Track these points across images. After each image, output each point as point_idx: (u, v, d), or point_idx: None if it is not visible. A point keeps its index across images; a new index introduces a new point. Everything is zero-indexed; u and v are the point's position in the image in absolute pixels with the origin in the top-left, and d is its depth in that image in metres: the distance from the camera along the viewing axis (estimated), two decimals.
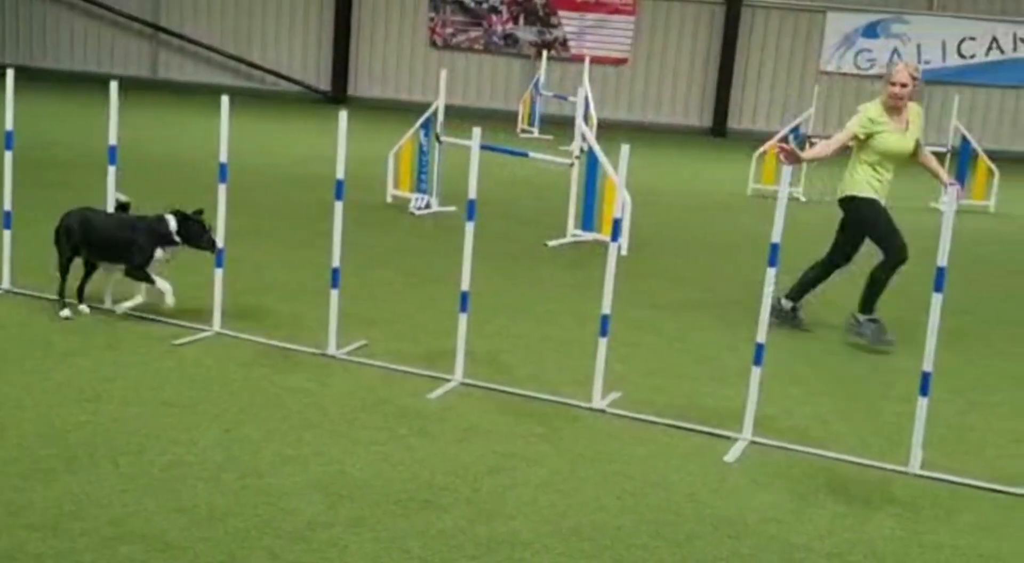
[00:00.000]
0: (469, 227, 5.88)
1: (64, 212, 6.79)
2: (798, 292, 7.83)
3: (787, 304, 7.81)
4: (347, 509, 4.34)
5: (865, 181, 7.40)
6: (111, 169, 6.96)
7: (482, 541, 4.15)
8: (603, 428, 5.54)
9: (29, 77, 23.53)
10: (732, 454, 5.27)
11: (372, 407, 5.55)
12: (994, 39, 24.21)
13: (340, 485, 4.56)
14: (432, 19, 25.51)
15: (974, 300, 9.14)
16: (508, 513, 4.42)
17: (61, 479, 4.42)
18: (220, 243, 6.69)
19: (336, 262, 6.27)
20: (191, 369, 5.94)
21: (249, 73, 25.75)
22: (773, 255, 5.30)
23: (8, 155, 7.03)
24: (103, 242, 6.72)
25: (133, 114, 17.01)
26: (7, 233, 7.22)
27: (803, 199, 14.57)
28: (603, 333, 5.76)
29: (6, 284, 7.20)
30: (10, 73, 7.35)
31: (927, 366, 5.17)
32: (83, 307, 6.76)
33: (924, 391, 5.18)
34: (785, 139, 14.91)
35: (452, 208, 11.48)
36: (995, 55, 24.24)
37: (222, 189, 6.51)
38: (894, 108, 7.33)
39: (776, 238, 5.27)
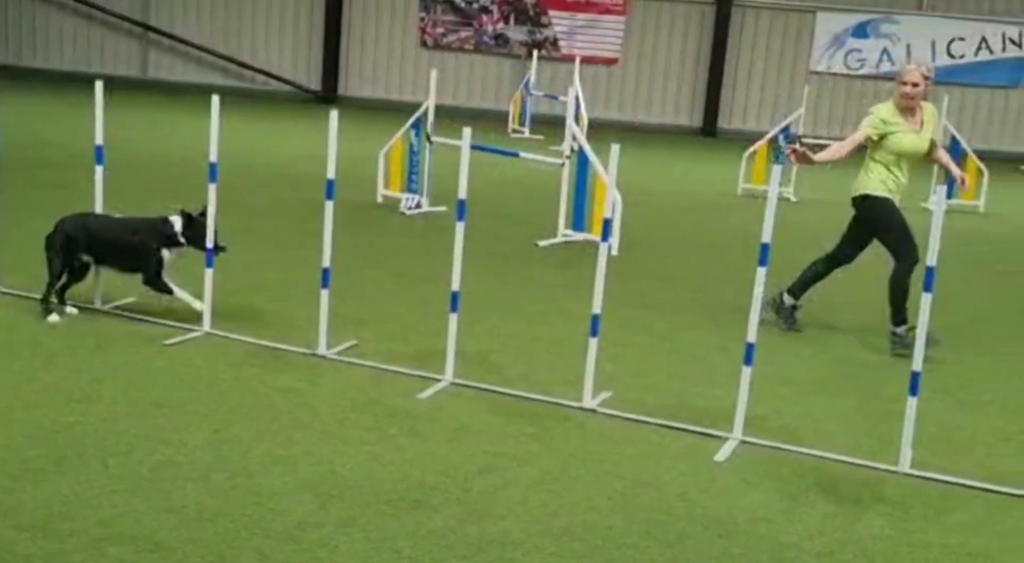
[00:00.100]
0: (459, 227, 5.87)
1: (60, 218, 6.73)
2: (800, 288, 7.80)
3: (788, 300, 7.79)
4: (337, 509, 4.33)
5: (879, 180, 7.36)
6: (98, 169, 6.93)
7: (472, 541, 4.15)
8: (594, 428, 5.54)
9: (18, 77, 23.57)
10: (722, 454, 5.27)
11: (362, 407, 5.55)
12: (983, 39, 24.28)
13: (330, 485, 4.56)
14: (422, 19, 25.49)
15: (963, 300, 9.16)
16: (499, 513, 4.42)
17: (50, 480, 4.40)
18: (223, 243, 6.69)
19: (326, 262, 6.27)
20: (181, 369, 5.93)
21: (239, 73, 25.71)
22: (763, 255, 5.31)
23: None
24: (108, 249, 6.69)
25: (123, 114, 17.00)
26: None
27: (793, 199, 14.60)
28: (593, 333, 5.77)
29: None
30: None
31: (916, 366, 5.19)
32: (71, 309, 6.73)
33: (914, 391, 5.19)
34: (775, 139, 14.97)
35: (442, 208, 11.47)
36: (984, 55, 24.31)
37: (212, 189, 6.50)
38: (907, 108, 7.32)
39: (766, 238, 5.28)
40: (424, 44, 25.57)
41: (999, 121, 24.56)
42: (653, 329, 7.59)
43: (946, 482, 5.15)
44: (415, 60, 25.50)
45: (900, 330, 7.34)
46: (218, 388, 5.67)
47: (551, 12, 25.11)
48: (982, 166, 15.00)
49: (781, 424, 5.79)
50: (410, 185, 11.74)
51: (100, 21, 25.80)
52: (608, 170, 5.91)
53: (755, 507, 4.70)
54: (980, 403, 6.50)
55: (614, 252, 9.67)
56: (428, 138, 11.58)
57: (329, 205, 6.16)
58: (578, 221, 10.56)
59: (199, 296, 6.61)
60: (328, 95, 25.21)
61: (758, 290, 5.36)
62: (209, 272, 6.59)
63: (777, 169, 5.28)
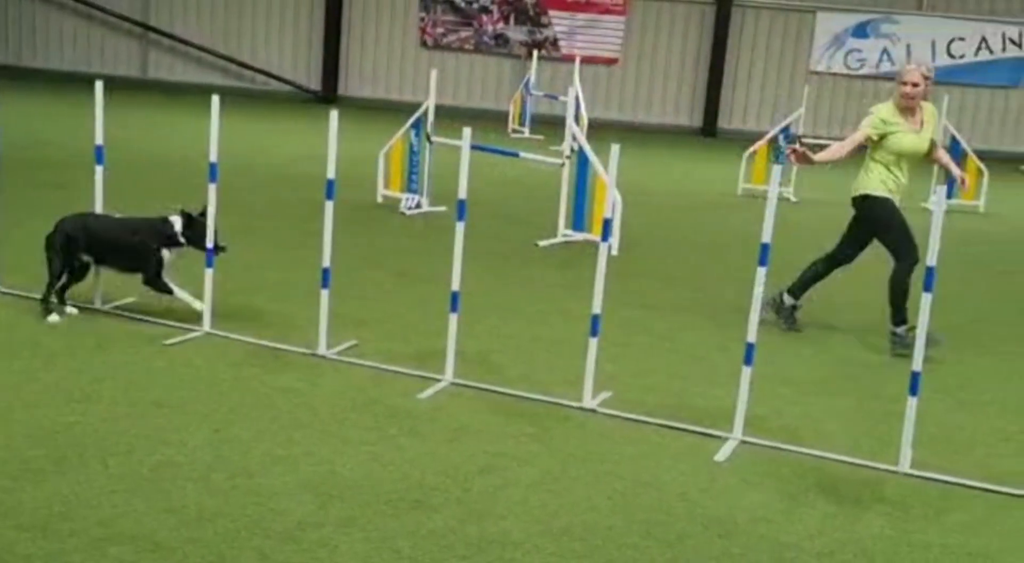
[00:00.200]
0: (459, 227, 5.87)
1: (60, 218, 6.73)
2: (800, 288, 7.79)
3: (789, 300, 7.78)
4: (337, 509, 4.33)
5: (879, 180, 7.35)
6: (98, 169, 6.93)
7: (472, 541, 4.15)
8: (594, 428, 5.54)
9: (18, 77, 23.56)
10: (722, 454, 5.27)
11: (362, 407, 5.55)
12: (983, 39, 24.28)
13: (330, 485, 4.56)
14: (422, 19, 25.49)
15: (963, 300, 9.16)
16: (499, 513, 4.42)
17: (50, 480, 4.40)
18: (223, 243, 6.70)
19: (326, 262, 6.27)
20: (181, 369, 5.93)
21: (240, 73, 25.71)
22: (763, 255, 5.31)
23: None
24: (108, 249, 6.69)
25: (123, 114, 17.00)
26: None
27: (793, 199, 14.60)
28: (593, 333, 5.77)
29: None
30: None
31: (916, 366, 5.19)
32: (70, 309, 6.73)
33: (914, 391, 5.19)
34: (775, 139, 14.97)
35: (442, 208, 11.47)
36: (984, 55, 24.31)
37: (212, 189, 6.50)
38: (907, 108, 7.32)
39: (766, 238, 5.28)
40: (424, 44, 25.57)
41: (999, 121, 24.56)
42: (653, 329, 7.59)
43: (946, 482, 5.15)
44: (415, 60, 25.50)
45: (900, 330, 7.33)
46: (218, 388, 5.67)
47: (551, 12, 25.11)
48: (982, 166, 15.00)
49: (781, 424, 5.79)
50: (410, 185, 11.74)
51: (100, 21, 25.80)
52: (608, 170, 5.91)
53: (755, 507, 4.70)
54: (980, 403, 6.49)
55: (614, 252, 9.67)
56: (428, 138, 11.58)
57: (329, 205, 6.16)
58: (578, 221, 10.56)
59: (199, 296, 6.61)
60: (328, 95, 25.21)
61: (758, 290, 5.36)
62: (209, 272, 6.59)
63: (777, 169, 5.28)
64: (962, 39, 24.30)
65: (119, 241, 6.68)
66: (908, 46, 24.40)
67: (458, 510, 4.42)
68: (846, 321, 8.09)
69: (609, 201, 5.90)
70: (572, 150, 10.71)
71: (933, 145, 7.49)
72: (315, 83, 25.63)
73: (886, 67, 24.49)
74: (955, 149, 15.06)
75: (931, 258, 5.11)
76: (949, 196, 13.58)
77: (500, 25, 25.34)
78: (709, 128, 24.80)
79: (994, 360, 7.48)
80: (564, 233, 10.64)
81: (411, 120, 11.72)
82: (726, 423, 5.54)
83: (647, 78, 25.27)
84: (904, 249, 7.28)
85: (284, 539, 4.04)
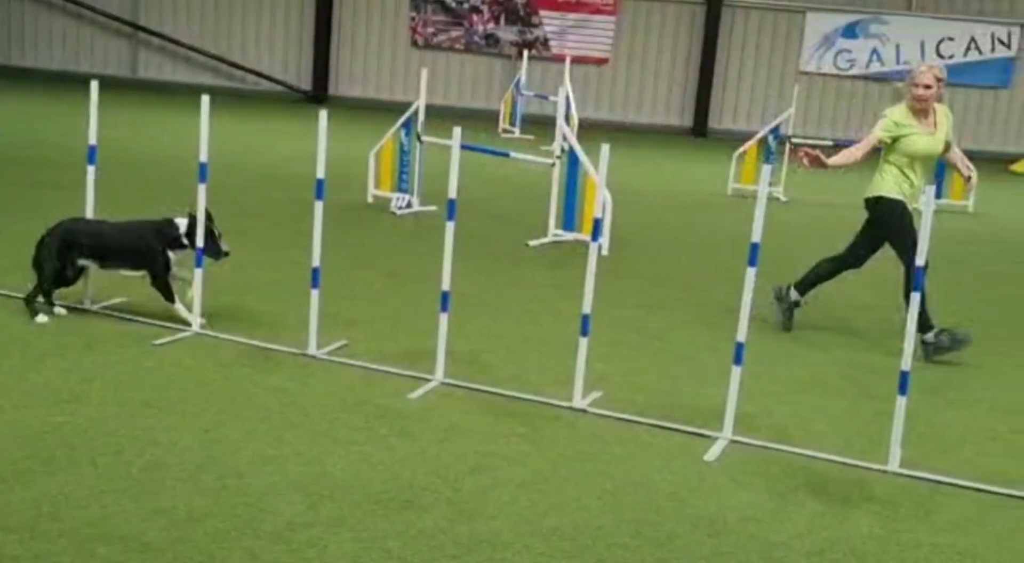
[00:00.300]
0: (449, 227, 5.87)
1: (56, 223, 6.69)
2: (807, 286, 7.74)
3: (794, 295, 7.73)
4: (327, 509, 4.33)
5: (893, 183, 7.29)
6: (90, 169, 6.92)
7: (463, 541, 4.15)
8: (584, 428, 5.55)
9: (7, 76, 23.49)
10: (712, 453, 5.28)
11: (352, 407, 5.54)
12: (972, 39, 24.35)
13: (320, 485, 4.55)
14: (413, 19, 25.47)
15: (952, 299, 9.18)
16: (489, 513, 4.42)
17: (39, 481, 4.39)
18: (227, 248, 6.69)
19: (316, 262, 6.26)
20: (170, 369, 5.92)
21: (230, 72, 25.66)
22: (753, 255, 5.31)
23: None
24: (114, 252, 6.67)
25: (113, 113, 16.93)
26: None
27: (783, 199, 14.62)
28: (584, 333, 5.77)
29: None
30: None
31: (905, 365, 5.20)
32: (59, 309, 6.71)
33: (902, 390, 5.21)
34: (765, 139, 14.99)
35: (433, 208, 11.47)
36: (973, 55, 24.38)
37: (202, 189, 6.49)
38: (920, 111, 7.25)
39: (756, 238, 5.29)
40: (415, 44, 25.55)
41: (988, 121, 24.63)
42: (643, 329, 7.60)
43: (935, 481, 5.16)
44: (405, 60, 25.48)
45: (929, 336, 7.21)
46: (208, 388, 5.66)
47: (541, 12, 25.11)
48: (971, 166, 15.00)
49: (771, 423, 5.80)
50: (400, 185, 11.74)
51: (89, 20, 25.73)
52: (598, 170, 5.91)
53: (745, 506, 4.71)
54: (969, 402, 6.51)
55: (604, 252, 9.69)
56: (419, 138, 11.58)
57: (319, 205, 6.15)
58: (568, 221, 10.57)
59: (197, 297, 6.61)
60: (319, 95, 25.18)
61: (748, 287, 5.36)
62: (199, 272, 6.59)
63: (767, 169, 5.29)
64: (951, 39, 24.37)
65: (124, 244, 6.66)
66: (897, 46, 24.46)
67: (448, 510, 4.42)
68: (836, 320, 8.10)
69: (599, 201, 5.91)
70: (562, 150, 10.72)
71: (948, 146, 7.43)
72: (305, 83, 25.60)
73: (876, 67, 24.57)
74: None
75: (920, 258, 5.13)
76: (938, 196, 13.63)
77: (490, 25, 25.34)
78: (699, 128, 24.83)
79: (983, 359, 7.49)
80: (554, 233, 10.64)
81: (402, 120, 11.71)
82: (716, 423, 5.55)
83: (637, 78, 25.29)
84: (912, 254, 7.19)
85: (274, 539, 4.04)
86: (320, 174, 6.11)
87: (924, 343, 7.22)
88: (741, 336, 5.41)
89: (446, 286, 5.96)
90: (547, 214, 10.69)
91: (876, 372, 6.86)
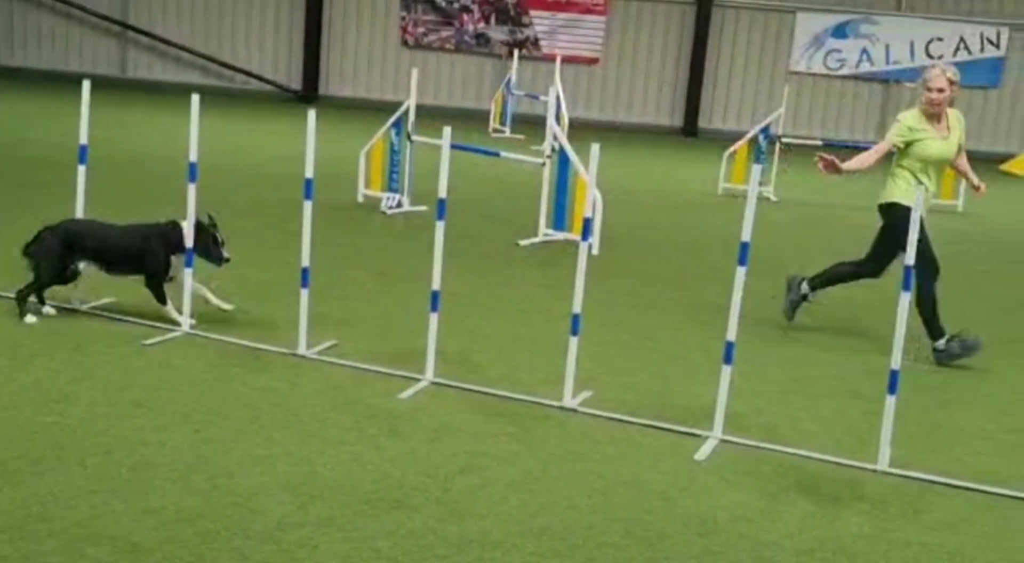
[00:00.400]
0: (440, 226, 5.87)
1: (54, 223, 6.66)
2: (819, 282, 7.70)
3: (805, 289, 7.69)
4: (317, 509, 4.32)
5: (906, 188, 7.19)
6: (81, 169, 6.90)
7: (452, 541, 4.15)
8: (574, 427, 5.55)
9: None
10: (703, 452, 5.28)
11: (342, 407, 5.54)
12: (962, 39, 24.42)
13: (310, 485, 4.55)
14: (403, 18, 25.46)
15: (942, 299, 9.18)
16: (479, 513, 4.42)
17: (28, 481, 4.38)
18: (228, 255, 6.67)
19: (306, 262, 6.25)
20: (160, 369, 5.90)
21: (220, 72, 25.61)
22: (743, 254, 5.32)
23: None
24: (114, 253, 6.65)
25: (102, 113, 16.88)
26: None
27: (773, 199, 14.64)
28: (574, 332, 5.77)
29: None
30: None
31: (895, 364, 5.21)
32: (48, 309, 6.70)
33: (892, 389, 5.22)
34: (755, 139, 15.01)
35: (423, 207, 11.46)
36: (963, 55, 24.44)
37: (192, 188, 6.47)
38: (933, 115, 7.17)
39: (746, 237, 5.29)
40: (405, 43, 25.54)
41: (977, 121, 24.64)
42: (634, 328, 7.60)
43: (925, 480, 5.17)
44: (396, 59, 25.47)
45: (941, 343, 7.20)
46: (198, 388, 5.65)
47: (532, 12, 25.11)
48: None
49: (761, 422, 5.80)
50: (391, 184, 11.73)
51: (79, 20, 25.67)
52: (589, 170, 5.91)
53: (735, 506, 4.71)
54: (959, 401, 6.53)
55: (595, 251, 9.69)
56: (409, 137, 11.57)
57: (308, 205, 6.14)
58: (559, 220, 10.57)
59: (177, 296, 6.58)
60: (309, 94, 25.14)
61: (738, 285, 5.37)
62: (188, 271, 6.57)
63: (757, 169, 5.29)
64: (941, 39, 24.44)
65: (127, 247, 6.64)
66: (887, 46, 24.53)
67: (438, 510, 4.41)
68: (827, 319, 8.11)
69: (589, 200, 5.91)
70: (553, 149, 10.72)
71: (958, 151, 7.39)
72: (296, 82, 25.56)
73: (865, 67, 24.64)
74: None
75: (909, 257, 5.14)
76: None
77: (481, 25, 25.34)
78: (690, 128, 24.85)
79: (973, 359, 7.50)
80: (545, 232, 10.64)
81: (392, 119, 11.70)
82: (706, 422, 5.55)
83: (628, 78, 25.30)
84: (924, 261, 7.07)
85: (264, 539, 4.03)
86: (309, 174, 6.10)
87: (935, 350, 7.22)
88: (731, 335, 5.41)
89: (436, 286, 5.95)
90: (537, 214, 10.69)
91: (866, 372, 6.87)
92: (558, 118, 11.24)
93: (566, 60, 22.08)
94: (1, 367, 5.74)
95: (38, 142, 14.41)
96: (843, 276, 7.66)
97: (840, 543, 4.43)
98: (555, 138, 10.66)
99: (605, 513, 4.52)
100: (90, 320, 6.71)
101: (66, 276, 6.66)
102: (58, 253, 6.55)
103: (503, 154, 11.67)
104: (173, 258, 6.63)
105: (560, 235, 10.51)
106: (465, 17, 25.34)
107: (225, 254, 6.69)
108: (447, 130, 5.84)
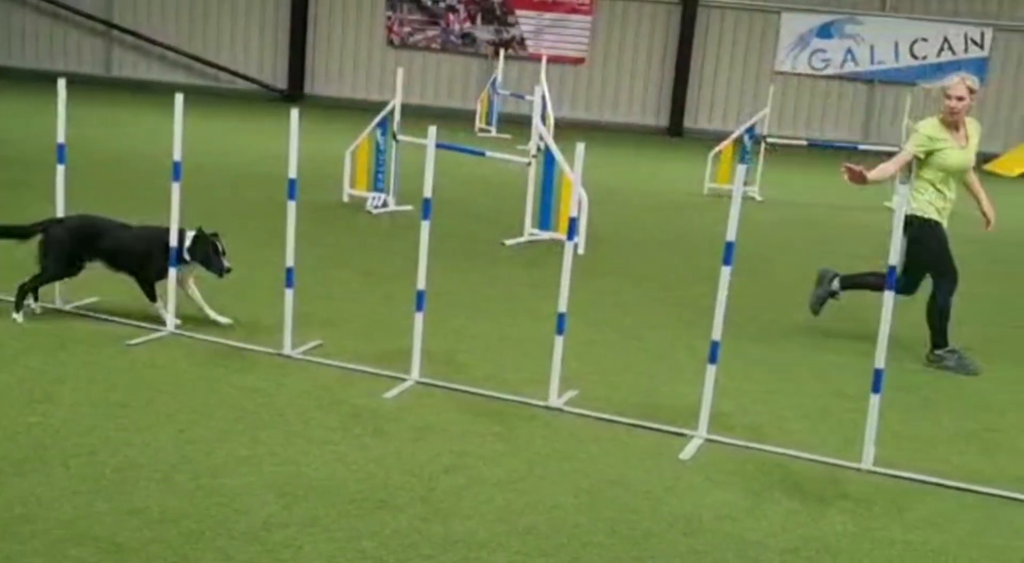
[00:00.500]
0: (425, 226, 5.86)
1: (59, 219, 6.67)
2: (849, 284, 7.64)
3: (836, 286, 7.62)
4: (302, 509, 4.32)
5: (927, 201, 7.15)
6: (60, 168, 6.87)
7: (437, 540, 4.14)
8: (560, 427, 5.55)
9: None
10: (688, 452, 5.29)
11: (327, 407, 5.53)
12: (946, 40, 24.54)
13: (295, 485, 4.54)
14: (389, 18, 25.43)
15: (924, 298, 9.21)
16: (464, 512, 4.41)
17: (11, 482, 4.36)
18: (229, 265, 6.66)
19: (290, 261, 6.23)
20: (144, 369, 5.88)
21: (205, 71, 25.55)
22: (728, 254, 5.32)
23: None
24: (121, 253, 6.65)
25: (87, 112, 16.84)
26: None
27: (759, 199, 14.67)
28: (559, 331, 5.77)
29: None
30: None
31: (879, 363, 5.22)
32: (34, 306, 6.68)
33: (876, 388, 5.23)
34: (740, 139, 15.04)
35: (409, 207, 11.45)
36: (947, 56, 24.56)
37: (176, 187, 6.45)
38: (952, 124, 7.09)
39: (731, 237, 5.30)
40: (391, 43, 25.51)
41: None
42: (619, 327, 7.60)
43: (909, 479, 5.19)
44: (382, 59, 25.44)
45: (940, 352, 7.19)
46: (182, 388, 5.63)
47: (518, 11, 25.13)
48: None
49: (746, 422, 5.81)
50: (376, 184, 11.72)
51: (64, 19, 25.57)
52: (574, 169, 5.91)
53: (720, 505, 4.72)
54: (942, 401, 6.55)
55: (580, 251, 9.70)
56: (394, 137, 11.56)
57: (291, 205, 6.12)
58: (544, 220, 10.58)
59: (162, 296, 6.56)
60: (294, 94, 25.10)
61: (723, 283, 5.37)
62: (172, 271, 6.55)
63: (742, 169, 5.30)
64: (925, 40, 24.55)
65: (133, 249, 6.65)
66: (872, 47, 24.63)
67: (423, 509, 4.41)
68: (813, 319, 8.13)
69: (575, 200, 5.91)
70: (539, 149, 10.72)
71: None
72: (281, 82, 25.52)
73: (850, 67, 24.73)
74: None
75: (893, 257, 5.16)
76: None
77: (467, 24, 25.33)
78: (675, 127, 24.90)
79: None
80: (531, 232, 10.65)
81: (377, 119, 11.69)
82: (692, 421, 5.56)
83: (614, 77, 25.34)
84: (944, 274, 7.14)
85: (248, 540, 4.02)
86: (292, 174, 6.08)
87: (933, 354, 7.24)
88: (716, 335, 5.42)
89: (422, 285, 5.95)
90: (523, 213, 10.69)
91: (851, 371, 6.89)
92: (544, 118, 11.25)
93: (552, 60, 22.10)
94: None
95: (19, 141, 14.33)
96: (873, 287, 7.40)
97: (824, 541, 4.44)
98: (541, 138, 10.66)
99: (590, 512, 4.52)
100: (73, 320, 6.68)
101: (72, 273, 6.66)
102: (69, 249, 6.56)
103: (488, 154, 11.67)
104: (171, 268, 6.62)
105: (546, 234, 10.52)
106: (451, 16, 25.33)
107: (226, 264, 6.68)
108: (432, 129, 5.83)
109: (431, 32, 25.42)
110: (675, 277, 9.56)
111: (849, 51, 24.70)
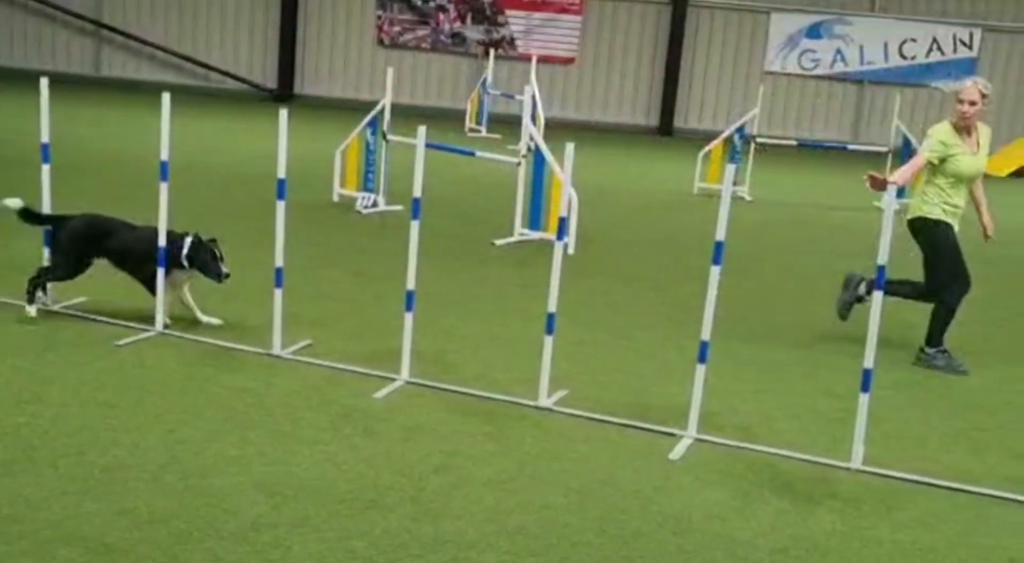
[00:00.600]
0: (414, 226, 5.86)
1: (70, 218, 6.68)
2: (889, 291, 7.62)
3: (863, 290, 7.57)
4: (291, 509, 4.31)
5: (937, 205, 7.12)
6: (45, 168, 6.85)
7: (427, 540, 4.14)
8: (549, 426, 5.55)
9: None
10: (677, 451, 5.30)
11: (317, 407, 5.52)
12: (935, 40, 24.62)
13: (284, 485, 4.53)
14: (379, 17, 25.42)
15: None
16: (454, 512, 4.41)
17: None
18: (227, 270, 6.65)
19: (279, 261, 6.22)
20: (133, 370, 5.87)
21: (194, 71, 25.50)
22: (717, 253, 5.33)
23: None
24: (125, 254, 6.67)
25: (76, 111, 16.82)
26: None
27: (748, 198, 14.69)
28: (549, 331, 5.77)
29: None
30: None
31: (868, 363, 5.23)
32: (45, 299, 6.72)
33: (865, 388, 5.24)
34: (730, 139, 15.06)
35: (399, 207, 11.45)
36: (936, 56, 24.64)
37: (164, 187, 6.44)
38: (964, 128, 7.04)
39: (720, 236, 5.30)
40: (381, 42, 25.50)
41: None
42: (609, 327, 7.61)
43: (898, 478, 5.20)
44: (372, 58, 25.43)
45: (931, 350, 7.21)
46: (171, 388, 5.62)
47: (508, 11, 25.13)
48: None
49: (736, 421, 5.82)
50: (366, 184, 11.71)
51: (53, 18, 25.49)
52: (564, 169, 5.91)
53: (709, 504, 4.72)
54: (933, 400, 6.57)
55: (570, 251, 9.70)
56: (384, 137, 11.55)
57: (280, 205, 6.11)
58: (534, 220, 10.58)
59: (151, 296, 6.55)
60: (284, 93, 25.06)
61: (713, 281, 5.38)
62: (161, 271, 6.53)
63: (731, 168, 5.31)
64: (914, 40, 24.63)
65: (137, 250, 6.65)
66: (861, 47, 24.70)
67: (413, 509, 4.41)
68: (802, 319, 8.15)
69: (565, 200, 5.91)
70: (528, 149, 10.73)
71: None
72: (271, 81, 25.48)
73: (839, 68, 24.79)
74: (906, 149, 15.21)
75: (882, 257, 5.16)
76: (900, 195, 13.73)
77: (457, 24, 25.33)
78: (665, 127, 24.93)
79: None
80: (520, 232, 10.65)
81: (367, 118, 11.68)
82: (681, 421, 5.56)
83: (604, 77, 25.36)
84: (956, 277, 7.11)
85: (237, 540, 4.02)
86: (281, 174, 6.07)
87: (923, 352, 7.25)
88: (706, 335, 5.43)
89: (411, 285, 5.94)
90: (513, 213, 10.69)
91: (840, 371, 6.90)
92: (534, 118, 11.26)
93: (542, 60, 22.13)
94: None
95: (5, 142, 14.27)
96: (899, 293, 7.34)
97: (813, 541, 4.45)
98: (531, 138, 10.66)
99: (580, 512, 4.53)
100: (62, 320, 6.66)
101: (80, 270, 6.70)
102: (78, 248, 6.61)
103: (479, 153, 11.67)
104: (174, 270, 6.60)
105: (536, 234, 10.52)
106: (441, 16, 25.33)
107: (224, 270, 6.66)
108: (422, 129, 5.83)
109: (421, 32, 25.41)
110: (665, 277, 9.57)
111: (838, 51, 24.77)
